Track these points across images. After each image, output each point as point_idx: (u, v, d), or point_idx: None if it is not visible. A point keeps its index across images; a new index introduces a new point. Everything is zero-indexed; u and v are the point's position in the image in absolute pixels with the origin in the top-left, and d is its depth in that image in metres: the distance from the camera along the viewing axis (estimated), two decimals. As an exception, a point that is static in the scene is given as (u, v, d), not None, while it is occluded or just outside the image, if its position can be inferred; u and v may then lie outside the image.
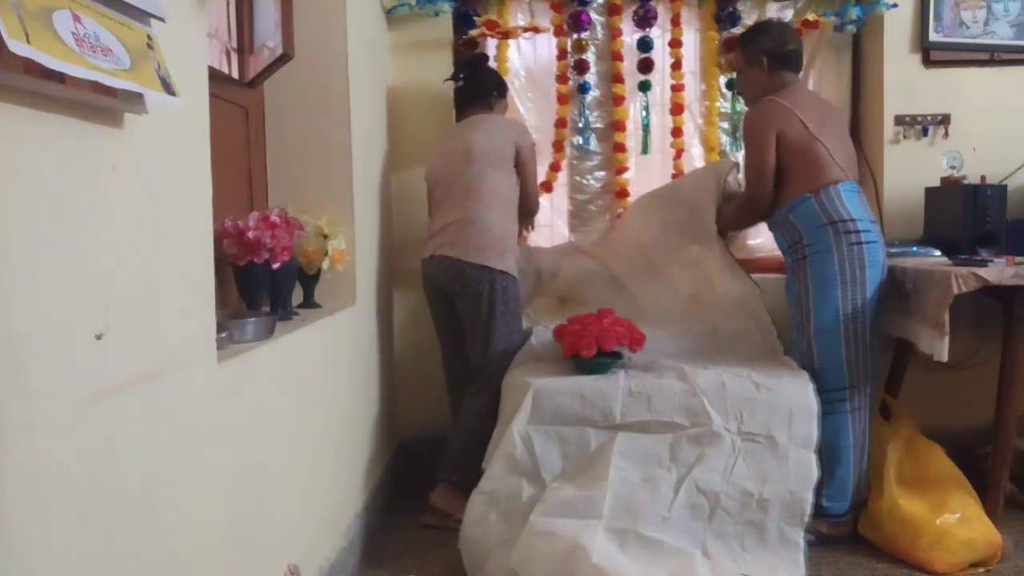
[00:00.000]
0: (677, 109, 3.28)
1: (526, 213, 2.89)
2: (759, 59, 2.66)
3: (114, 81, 0.95)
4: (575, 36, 3.27)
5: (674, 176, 3.30)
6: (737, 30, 3.23)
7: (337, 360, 2.30)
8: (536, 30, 3.21)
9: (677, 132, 3.29)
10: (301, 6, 2.25)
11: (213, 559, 1.36)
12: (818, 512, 2.38)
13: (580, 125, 3.32)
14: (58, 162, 0.94)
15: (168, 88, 1.08)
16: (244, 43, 2.29)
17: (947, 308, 2.31)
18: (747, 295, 2.76)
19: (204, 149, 1.35)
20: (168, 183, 1.22)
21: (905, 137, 3.22)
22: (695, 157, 3.37)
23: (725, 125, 3.36)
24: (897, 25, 3.19)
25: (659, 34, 3.30)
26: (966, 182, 2.99)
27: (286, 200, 2.34)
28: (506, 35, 3.17)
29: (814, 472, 2.25)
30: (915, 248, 2.89)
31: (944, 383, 3.04)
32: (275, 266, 1.95)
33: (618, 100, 3.27)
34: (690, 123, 3.36)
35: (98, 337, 1.00)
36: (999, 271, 2.35)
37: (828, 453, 2.39)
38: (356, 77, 2.51)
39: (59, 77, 0.90)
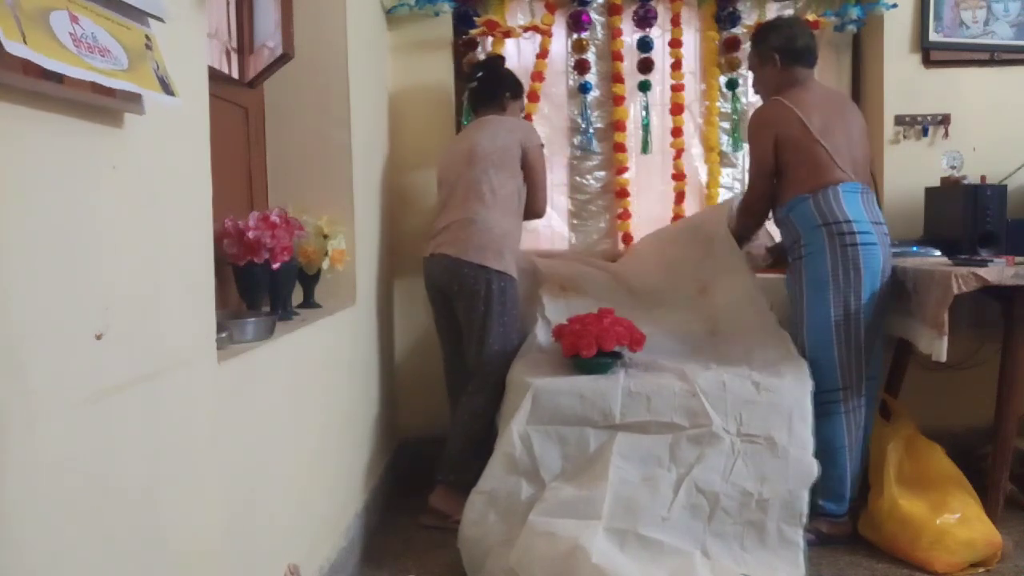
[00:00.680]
0: (677, 109, 3.28)
1: (533, 215, 2.85)
2: (771, 56, 2.65)
3: (111, 82, 0.95)
4: (575, 36, 3.27)
5: (674, 176, 3.30)
6: (737, 30, 3.23)
7: (337, 360, 2.30)
8: (536, 30, 3.21)
9: (677, 132, 3.29)
10: (301, 6, 2.25)
11: (213, 559, 1.36)
12: (817, 512, 2.38)
13: (581, 125, 3.32)
14: (58, 162, 0.94)
15: (167, 88, 1.08)
16: (244, 43, 2.29)
17: (947, 308, 2.31)
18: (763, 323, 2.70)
19: (204, 149, 1.35)
20: (168, 183, 1.22)
21: (905, 137, 3.22)
22: (695, 157, 3.37)
23: (725, 125, 3.36)
24: (897, 25, 3.19)
25: (659, 34, 3.30)
26: (966, 182, 2.99)
27: (286, 200, 2.34)
28: (506, 35, 3.17)
29: (814, 473, 2.25)
30: (915, 248, 2.89)
31: (944, 383, 3.04)
32: (275, 266, 1.95)
33: (618, 100, 3.27)
34: (690, 123, 3.36)
35: (98, 337, 1.00)
36: (999, 271, 2.35)
37: (823, 454, 2.39)
38: (356, 77, 2.51)
39: (58, 77, 0.90)
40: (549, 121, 3.31)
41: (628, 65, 3.28)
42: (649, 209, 3.35)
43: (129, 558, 1.08)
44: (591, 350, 2.39)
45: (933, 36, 3.18)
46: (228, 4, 2.22)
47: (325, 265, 2.27)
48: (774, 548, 2.20)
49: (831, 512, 2.48)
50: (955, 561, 2.30)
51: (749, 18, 3.25)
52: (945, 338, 2.30)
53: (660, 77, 3.32)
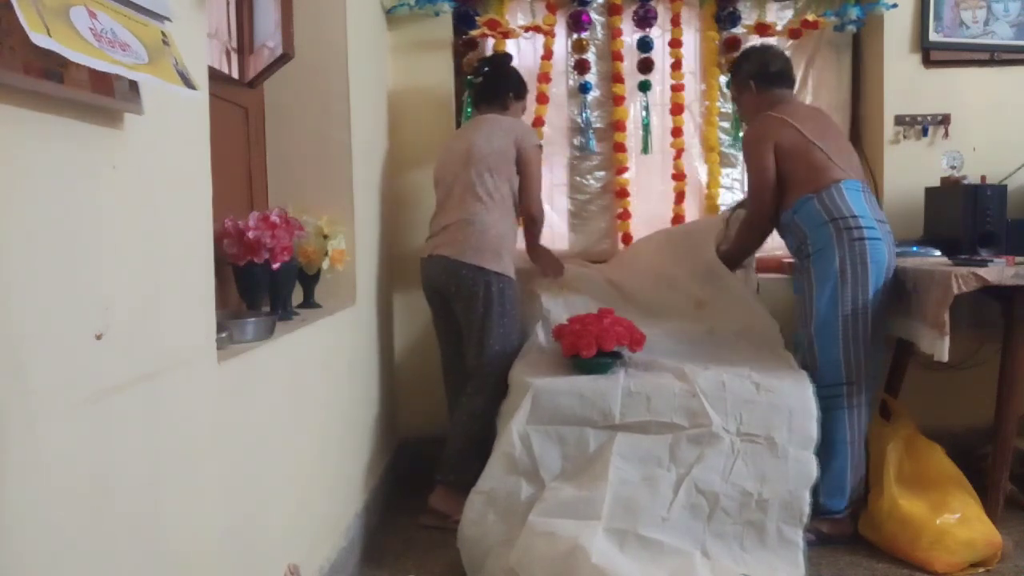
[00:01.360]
0: (677, 109, 3.28)
1: (528, 219, 2.78)
2: (748, 84, 2.78)
3: (134, 74, 0.96)
4: (575, 36, 3.27)
5: (674, 176, 3.30)
6: (738, 30, 3.23)
7: (337, 360, 2.30)
8: (537, 30, 3.21)
9: (677, 132, 3.29)
10: (301, 6, 2.25)
11: (213, 559, 1.36)
12: (817, 510, 2.38)
13: (581, 125, 3.32)
14: (58, 162, 0.94)
15: (187, 81, 1.09)
16: (244, 43, 2.29)
17: (947, 308, 2.31)
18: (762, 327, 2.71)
19: (204, 149, 1.35)
20: (168, 183, 1.22)
21: (905, 137, 3.22)
22: (695, 157, 3.37)
23: (725, 125, 3.36)
24: (897, 25, 3.19)
25: (659, 34, 3.30)
26: (966, 182, 3.00)
27: (286, 200, 2.34)
28: (506, 35, 3.17)
29: (813, 473, 2.25)
30: (915, 248, 2.90)
31: (944, 383, 3.04)
32: (275, 266, 1.95)
33: (618, 100, 3.27)
34: (690, 123, 3.36)
35: (98, 337, 1.00)
36: (999, 271, 2.35)
37: (824, 448, 2.40)
38: (356, 77, 2.51)
39: (58, 77, 0.90)
40: (549, 121, 3.30)
41: (628, 65, 3.28)
42: (649, 209, 3.35)
43: (129, 558, 1.08)
44: (591, 350, 2.39)
45: (933, 36, 3.18)
46: (228, 4, 2.22)
47: (325, 265, 2.27)
48: (774, 548, 2.20)
49: (831, 509, 2.48)
50: (955, 561, 2.30)
51: (749, 18, 3.25)
52: (946, 338, 2.31)
53: (660, 77, 3.32)
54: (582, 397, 2.32)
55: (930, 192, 3.14)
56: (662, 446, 2.26)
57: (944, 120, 3.21)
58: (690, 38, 3.34)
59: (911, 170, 3.19)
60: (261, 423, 1.62)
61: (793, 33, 3.22)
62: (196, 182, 1.33)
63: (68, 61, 0.88)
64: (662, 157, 3.37)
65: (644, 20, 3.24)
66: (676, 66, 3.27)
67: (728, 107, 3.33)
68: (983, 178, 3.02)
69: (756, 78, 2.75)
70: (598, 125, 3.34)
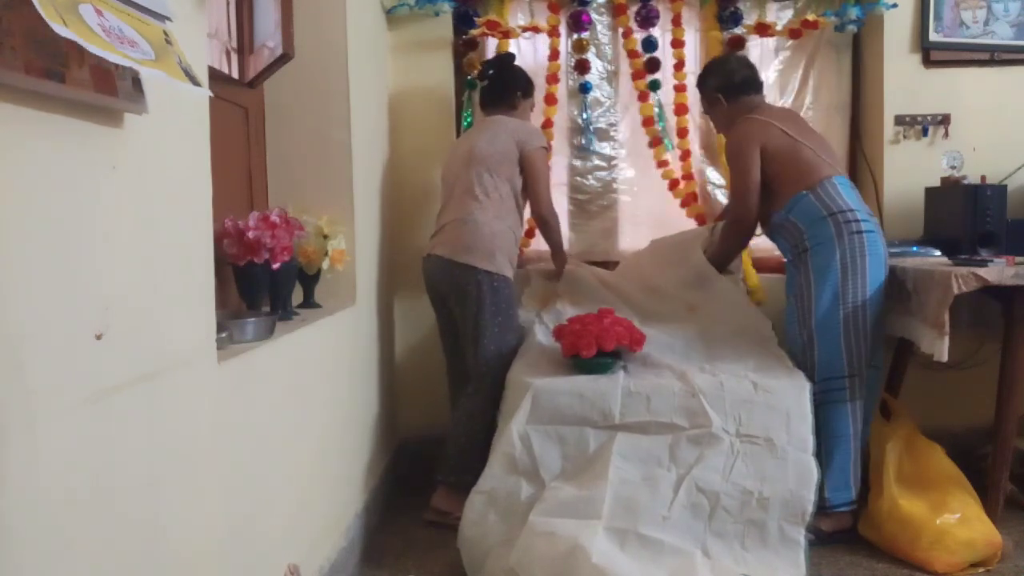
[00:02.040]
0: (681, 109, 3.27)
1: (540, 221, 2.82)
2: (716, 97, 2.80)
3: (146, 69, 0.97)
4: (575, 36, 3.26)
5: (682, 177, 3.27)
6: (739, 30, 3.23)
7: (337, 360, 2.30)
8: (536, 30, 3.21)
9: (683, 133, 3.28)
10: (301, 6, 2.25)
11: (213, 559, 1.36)
12: (820, 507, 2.38)
13: (582, 125, 3.32)
14: (58, 162, 0.94)
15: (192, 78, 1.09)
16: (244, 43, 2.29)
17: (947, 308, 2.31)
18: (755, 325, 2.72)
19: (204, 149, 1.35)
20: (168, 183, 1.22)
21: (905, 137, 3.22)
22: (695, 157, 3.37)
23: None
24: (897, 25, 3.19)
25: (659, 34, 3.30)
26: (966, 182, 3.00)
27: (286, 200, 2.34)
28: (506, 35, 3.17)
29: (814, 473, 2.25)
30: (915, 248, 2.90)
31: (944, 383, 3.04)
32: (275, 266, 1.95)
33: (643, 96, 3.24)
34: (690, 123, 3.36)
35: (98, 337, 1.00)
36: (999, 271, 2.35)
37: (827, 442, 2.40)
38: (356, 77, 2.51)
39: (59, 77, 0.90)
40: (552, 121, 3.30)
41: (629, 65, 3.28)
42: (649, 209, 3.34)
43: (129, 558, 1.08)
44: (591, 350, 2.39)
45: (933, 36, 3.18)
46: (228, 4, 2.22)
47: (325, 265, 2.27)
48: (775, 547, 2.20)
49: (835, 503, 2.48)
50: (955, 561, 2.30)
51: (749, 18, 3.25)
52: (946, 338, 2.31)
53: (662, 77, 3.32)
54: (582, 397, 2.32)
55: (930, 192, 3.14)
56: (662, 446, 2.26)
57: (944, 120, 3.21)
58: (691, 38, 3.34)
59: (911, 170, 3.19)
60: (261, 423, 1.62)
61: (793, 33, 3.22)
62: (196, 182, 1.33)
63: (69, 61, 0.88)
64: (671, 157, 3.35)
65: (646, 20, 3.23)
66: (679, 66, 3.26)
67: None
68: (983, 178, 3.02)
69: (723, 90, 2.77)
70: (598, 125, 3.34)
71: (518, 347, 2.69)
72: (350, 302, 2.47)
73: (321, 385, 2.12)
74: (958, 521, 2.33)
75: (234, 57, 2.28)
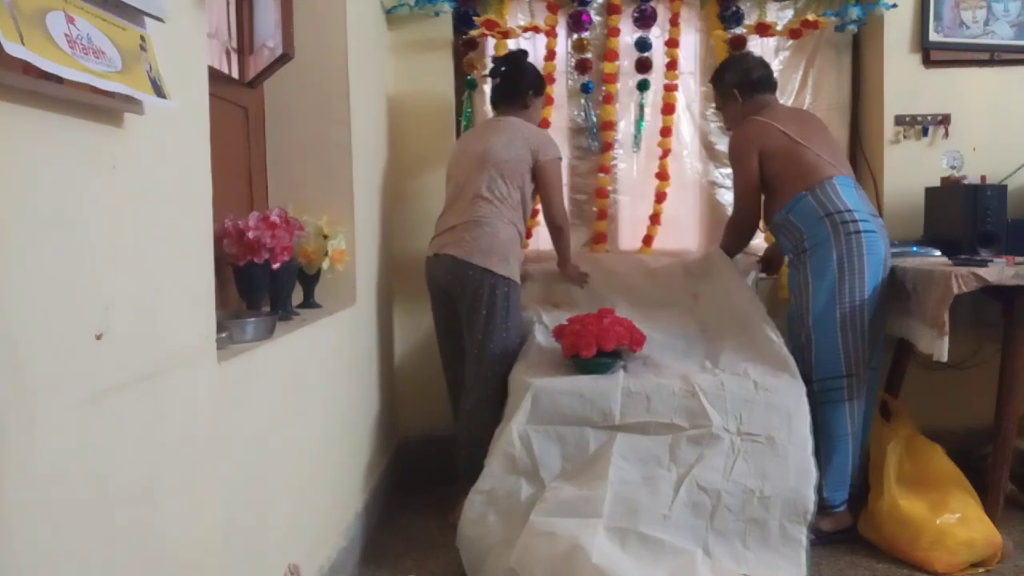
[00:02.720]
0: (668, 108, 3.27)
1: (554, 229, 2.84)
2: (732, 93, 2.82)
3: (105, 84, 0.95)
4: (575, 36, 3.26)
5: (657, 175, 3.28)
6: (739, 30, 3.23)
7: (337, 360, 2.30)
8: (536, 30, 3.21)
9: (666, 132, 3.28)
10: (301, 6, 2.25)
11: (213, 559, 1.36)
12: (819, 506, 2.38)
13: (584, 125, 3.32)
14: (58, 162, 0.94)
15: (158, 90, 1.08)
16: (244, 43, 2.29)
17: (947, 308, 2.32)
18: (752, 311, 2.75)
19: (204, 149, 1.35)
20: (168, 183, 1.22)
21: (905, 137, 3.22)
22: (695, 157, 3.37)
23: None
24: (897, 25, 3.19)
25: (659, 34, 3.30)
26: (966, 182, 2.99)
27: (286, 200, 2.34)
28: (506, 35, 3.17)
29: (813, 473, 2.25)
30: (915, 248, 2.90)
31: (944, 383, 3.04)
32: (275, 266, 1.95)
33: (607, 99, 3.25)
34: (690, 123, 3.36)
35: (98, 337, 1.00)
36: (999, 271, 2.35)
37: (826, 441, 2.41)
38: (356, 77, 2.51)
39: (57, 77, 0.90)
40: (549, 122, 3.31)
41: (628, 64, 3.28)
42: (648, 209, 3.34)
43: (129, 558, 1.08)
44: (591, 350, 2.39)
45: (933, 36, 3.18)
46: (228, 4, 2.22)
47: (325, 265, 2.27)
48: (776, 546, 2.19)
49: (834, 502, 2.49)
50: (955, 561, 2.30)
51: (749, 18, 3.25)
52: (946, 338, 2.31)
53: (658, 77, 3.32)
54: (582, 397, 2.32)
55: (930, 192, 3.14)
56: (662, 446, 2.26)
57: (944, 120, 3.21)
58: (691, 38, 3.34)
59: (911, 170, 3.19)
60: (261, 423, 1.62)
61: (793, 33, 3.22)
62: (196, 182, 1.33)
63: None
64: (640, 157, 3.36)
65: (643, 20, 3.23)
66: (671, 66, 3.26)
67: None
68: (983, 178, 3.02)
69: (739, 86, 2.80)
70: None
71: (520, 350, 2.68)
72: (350, 302, 2.47)
73: (321, 385, 2.12)
74: (958, 521, 2.33)
75: (234, 57, 2.28)
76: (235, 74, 2.28)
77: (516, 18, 3.26)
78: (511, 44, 3.23)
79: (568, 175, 3.36)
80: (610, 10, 3.24)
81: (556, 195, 2.78)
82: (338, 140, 2.46)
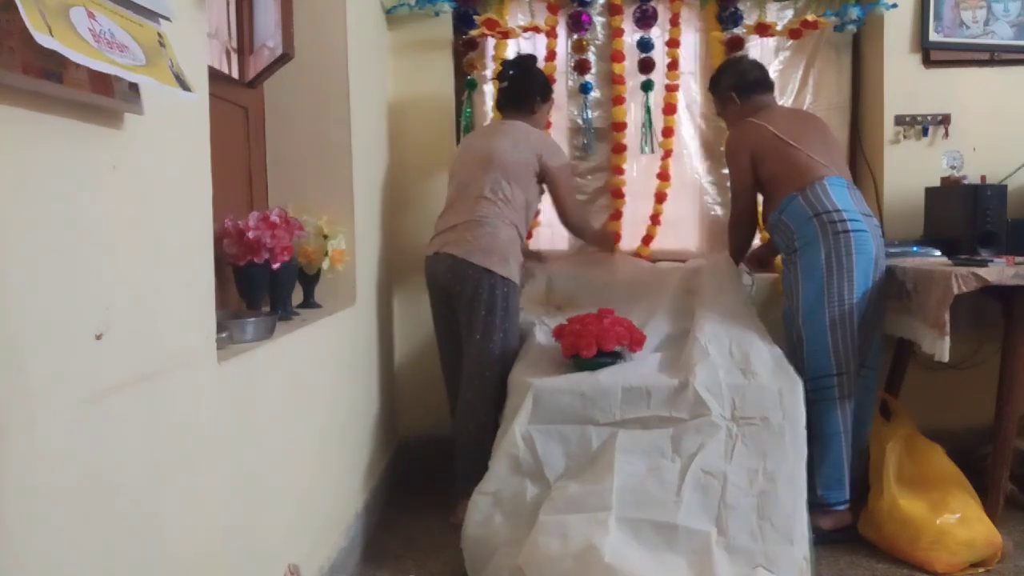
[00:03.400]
0: (670, 109, 3.27)
1: (575, 230, 2.96)
2: (730, 96, 2.85)
3: (132, 76, 0.96)
4: (575, 36, 3.26)
5: (659, 175, 3.27)
6: (739, 30, 3.23)
7: (337, 360, 2.30)
8: (536, 30, 3.21)
9: (668, 132, 3.28)
10: (301, 6, 2.25)
11: (213, 559, 1.36)
12: (816, 504, 2.38)
13: (582, 126, 3.31)
14: (58, 162, 0.94)
15: (183, 83, 1.09)
16: (244, 43, 2.29)
17: (947, 308, 2.32)
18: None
19: (204, 149, 1.35)
20: (168, 183, 1.22)
21: (905, 137, 3.22)
22: (695, 157, 3.37)
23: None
24: (897, 25, 3.19)
25: (658, 34, 3.30)
26: (966, 182, 2.99)
27: (286, 200, 2.34)
28: (506, 35, 3.17)
29: (804, 450, 2.26)
30: (915, 248, 2.89)
31: (944, 383, 3.04)
32: (275, 266, 1.95)
33: (618, 100, 3.26)
34: (690, 123, 3.36)
35: (98, 337, 1.00)
36: (999, 271, 2.35)
37: (818, 441, 2.41)
38: (356, 77, 2.51)
39: (58, 77, 0.90)
40: (550, 122, 3.30)
41: (630, 65, 3.27)
42: (649, 209, 3.34)
43: (129, 558, 1.08)
44: (591, 350, 2.39)
45: (933, 36, 3.18)
46: (228, 4, 2.22)
47: (325, 265, 2.27)
48: (788, 515, 2.18)
49: (831, 500, 2.49)
50: (955, 561, 2.30)
51: (749, 18, 3.24)
52: (947, 338, 2.31)
53: (659, 77, 3.32)
54: (583, 396, 2.33)
55: (930, 192, 3.14)
56: (664, 438, 2.27)
57: (944, 120, 3.21)
58: (691, 39, 3.34)
59: (911, 170, 3.19)
60: (261, 423, 1.62)
61: (793, 33, 3.22)
62: (196, 182, 1.33)
63: (68, 61, 0.88)
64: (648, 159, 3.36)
65: (644, 20, 3.23)
66: (672, 66, 3.26)
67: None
68: (983, 178, 3.02)
69: (736, 89, 2.83)
70: (598, 125, 3.34)
71: (518, 351, 2.68)
72: (350, 302, 2.47)
73: (321, 385, 2.12)
74: (958, 521, 2.33)
75: (234, 57, 2.28)
76: (235, 74, 2.28)
77: (516, 18, 3.26)
78: (511, 44, 3.24)
79: (568, 175, 3.36)
80: (612, 11, 3.24)
81: (569, 198, 2.85)
82: (338, 140, 2.46)
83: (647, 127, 3.30)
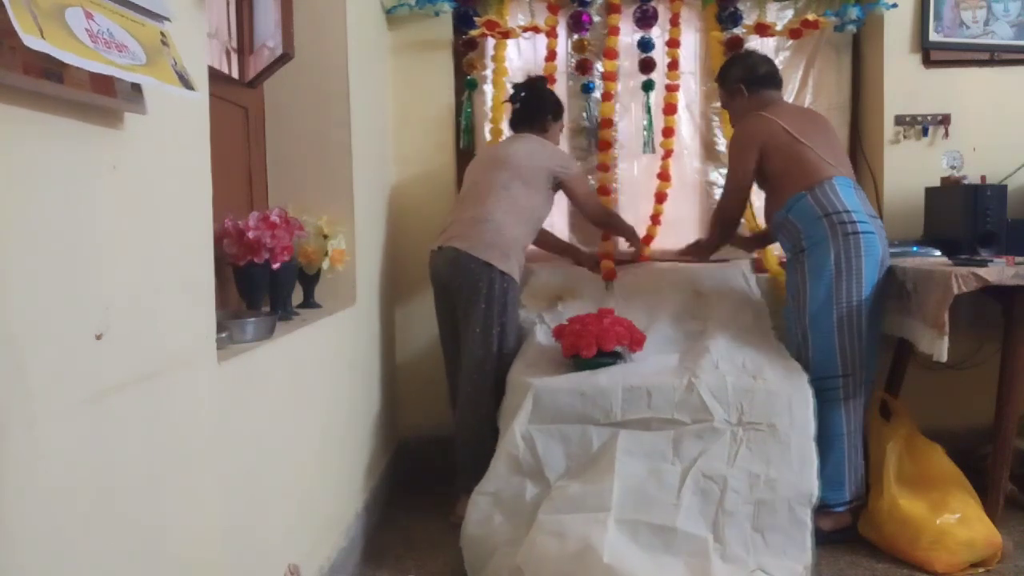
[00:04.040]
0: (670, 109, 3.27)
1: (604, 227, 3.08)
2: (738, 89, 2.83)
3: (131, 76, 0.96)
4: (575, 36, 3.26)
5: (659, 175, 3.27)
6: (739, 30, 3.23)
7: (337, 360, 2.30)
8: (536, 30, 3.21)
9: (668, 132, 3.27)
10: (301, 6, 2.25)
11: (213, 559, 1.36)
12: (818, 506, 2.38)
13: (587, 126, 3.31)
14: (58, 162, 0.94)
15: (186, 82, 1.09)
16: (244, 43, 2.29)
17: (947, 308, 2.31)
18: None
19: (204, 149, 1.35)
20: (168, 183, 1.22)
21: (905, 137, 3.22)
22: (695, 157, 3.37)
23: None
24: (897, 25, 3.19)
25: (659, 34, 3.30)
26: (966, 182, 2.99)
27: (286, 200, 2.34)
28: (506, 35, 3.17)
29: (814, 460, 2.25)
30: (915, 248, 2.89)
31: (944, 383, 3.04)
32: (275, 266, 1.95)
33: (606, 97, 3.24)
34: (690, 123, 3.36)
35: (98, 337, 1.00)
36: (999, 271, 2.35)
37: (821, 442, 2.40)
38: (356, 77, 2.51)
39: (58, 77, 0.90)
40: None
41: (630, 65, 3.28)
42: (647, 209, 3.34)
43: (129, 558, 1.08)
44: (591, 350, 2.39)
45: (933, 36, 3.18)
46: (228, 4, 2.22)
47: (325, 265, 2.27)
48: (784, 527, 2.18)
49: (831, 502, 2.48)
50: (955, 561, 2.30)
51: (749, 18, 3.24)
52: (946, 338, 2.31)
53: (659, 77, 3.32)
54: (583, 395, 2.32)
55: (930, 192, 3.14)
56: (665, 441, 2.27)
57: (944, 120, 3.21)
58: (691, 39, 3.34)
59: (911, 170, 3.19)
60: (261, 423, 1.62)
61: (793, 33, 3.22)
62: (196, 182, 1.33)
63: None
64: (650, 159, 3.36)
65: (644, 20, 3.23)
66: (672, 66, 3.26)
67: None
68: (983, 178, 3.02)
69: (745, 81, 2.80)
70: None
71: (517, 349, 2.69)
72: (350, 302, 2.47)
73: (321, 385, 2.12)
74: (958, 521, 2.33)
75: (234, 57, 2.28)
76: (235, 74, 2.28)
77: (516, 18, 3.26)
78: (511, 44, 3.24)
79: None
80: (610, 9, 3.24)
81: (590, 201, 2.96)
82: (338, 140, 2.46)
83: (648, 127, 3.30)
